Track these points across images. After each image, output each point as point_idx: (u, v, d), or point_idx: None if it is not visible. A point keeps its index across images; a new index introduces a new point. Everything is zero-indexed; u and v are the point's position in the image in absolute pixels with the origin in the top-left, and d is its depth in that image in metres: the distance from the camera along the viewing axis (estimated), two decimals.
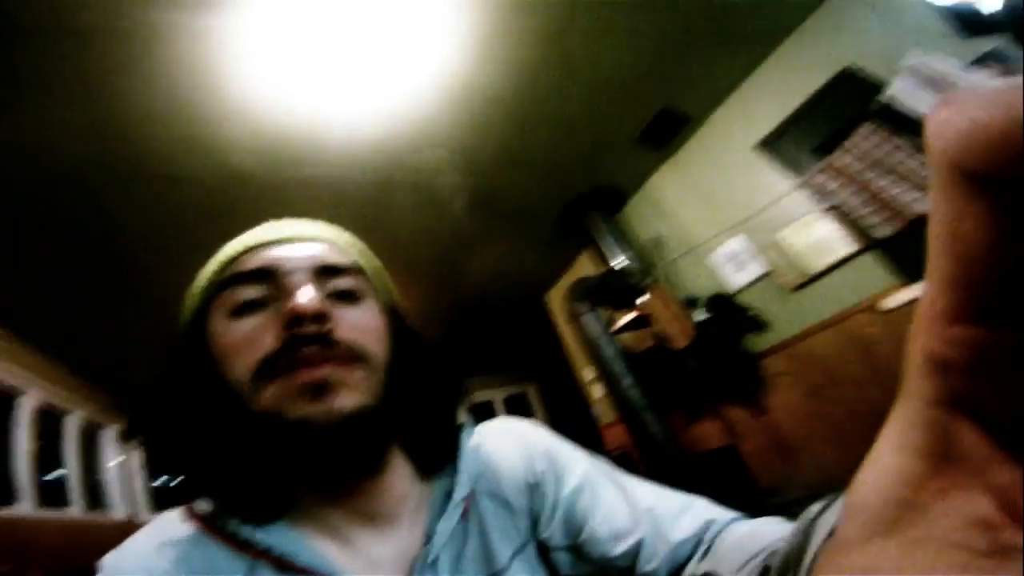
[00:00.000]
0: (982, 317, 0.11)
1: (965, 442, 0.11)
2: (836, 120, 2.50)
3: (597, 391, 3.40)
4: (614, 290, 3.18)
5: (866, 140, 2.41)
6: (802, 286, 2.63)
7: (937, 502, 0.11)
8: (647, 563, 0.43)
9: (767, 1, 2.37)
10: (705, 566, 0.40)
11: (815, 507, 0.22)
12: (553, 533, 0.47)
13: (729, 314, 2.78)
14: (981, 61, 2.06)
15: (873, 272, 2.44)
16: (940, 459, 0.11)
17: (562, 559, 0.46)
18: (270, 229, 0.44)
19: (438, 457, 0.46)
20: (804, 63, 2.60)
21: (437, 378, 0.47)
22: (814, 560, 0.19)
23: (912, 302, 2.28)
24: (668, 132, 3.04)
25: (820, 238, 2.62)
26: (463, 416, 0.49)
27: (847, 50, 2.45)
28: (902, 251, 2.38)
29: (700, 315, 2.84)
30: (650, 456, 2.73)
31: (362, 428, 0.37)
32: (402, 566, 0.40)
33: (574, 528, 0.46)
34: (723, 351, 2.78)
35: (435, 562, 0.40)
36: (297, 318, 0.36)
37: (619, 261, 3.26)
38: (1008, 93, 0.09)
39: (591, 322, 3.03)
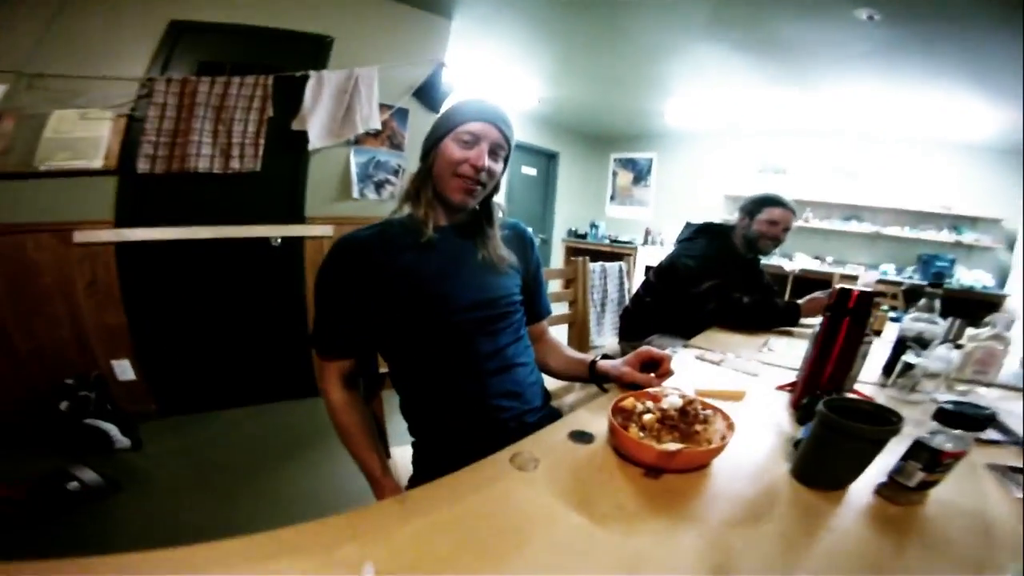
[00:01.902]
0: None
1: None
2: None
3: None
4: None
5: (227, 87, 2.45)
6: (7, 176, 2.18)
7: None
8: None
9: None
10: None
11: None
12: None
13: None
14: None
15: (97, 197, 2.33)
16: None
17: None
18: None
19: None
20: None
21: None
22: None
23: (107, 244, 2.29)
24: None
25: (85, 138, 2.35)
26: None
27: None
28: (142, 193, 2.42)
29: None
30: None
31: None
32: None
33: None
34: None
35: None
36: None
37: None
38: None
39: None
